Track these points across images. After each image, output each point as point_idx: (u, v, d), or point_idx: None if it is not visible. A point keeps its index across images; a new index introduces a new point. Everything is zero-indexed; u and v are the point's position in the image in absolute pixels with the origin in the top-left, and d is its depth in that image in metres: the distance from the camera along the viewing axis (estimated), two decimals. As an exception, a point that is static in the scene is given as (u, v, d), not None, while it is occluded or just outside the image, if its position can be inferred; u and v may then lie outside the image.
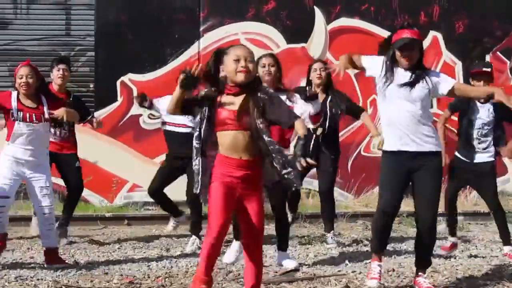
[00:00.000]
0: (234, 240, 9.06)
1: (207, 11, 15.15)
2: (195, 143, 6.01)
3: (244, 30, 15.22)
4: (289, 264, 8.72)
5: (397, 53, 7.29)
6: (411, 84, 7.20)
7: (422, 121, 7.28)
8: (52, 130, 9.65)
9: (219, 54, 6.05)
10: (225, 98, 5.94)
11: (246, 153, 5.87)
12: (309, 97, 8.97)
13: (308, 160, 5.98)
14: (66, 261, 8.83)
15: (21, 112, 8.49)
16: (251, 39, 15.07)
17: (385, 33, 14.97)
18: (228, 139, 5.84)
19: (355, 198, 14.87)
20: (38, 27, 15.39)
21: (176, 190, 11.58)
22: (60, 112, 8.79)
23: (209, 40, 15.14)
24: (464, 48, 15.12)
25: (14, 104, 8.53)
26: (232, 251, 9.00)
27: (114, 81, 14.73)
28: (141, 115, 14.87)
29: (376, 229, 7.62)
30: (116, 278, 7.87)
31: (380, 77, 7.35)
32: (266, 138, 5.82)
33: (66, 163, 10.38)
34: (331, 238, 10.41)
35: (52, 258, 8.66)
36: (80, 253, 9.68)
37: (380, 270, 7.54)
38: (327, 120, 10.09)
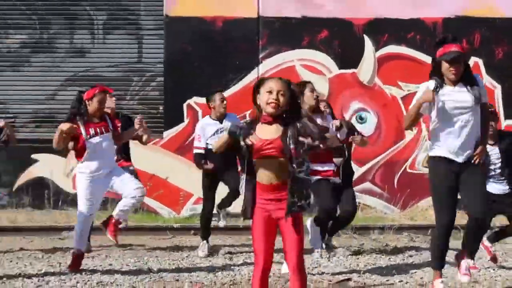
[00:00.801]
0: None
1: (265, 40, 15.34)
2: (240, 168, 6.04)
3: (299, 57, 15.35)
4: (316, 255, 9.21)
5: (445, 66, 7.22)
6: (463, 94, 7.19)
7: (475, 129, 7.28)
8: None
9: (258, 85, 5.99)
10: (259, 128, 5.84)
11: (277, 178, 5.79)
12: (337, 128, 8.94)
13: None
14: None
15: (92, 129, 8.80)
16: (306, 65, 15.29)
17: (429, 59, 15.58)
18: (262, 166, 5.81)
19: (401, 211, 14.90)
20: (113, 55, 15.79)
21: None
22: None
23: (267, 66, 15.35)
24: (503, 73, 15.13)
25: (83, 130, 8.76)
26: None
27: (181, 104, 15.04)
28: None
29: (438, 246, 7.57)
30: (187, 285, 8.13)
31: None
32: (292, 166, 5.75)
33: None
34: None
35: (109, 226, 9.06)
36: (153, 261, 9.80)
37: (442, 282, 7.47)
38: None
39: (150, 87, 15.74)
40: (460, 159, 7.24)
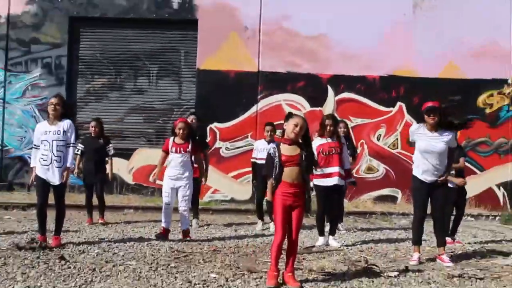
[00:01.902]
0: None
1: (262, 86, 15.42)
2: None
3: (284, 98, 15.44)
4: (333, 243, 8.83)
5: (425, 116, 7.33)
6: (436, 140, 7.31)
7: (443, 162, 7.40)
8: None
9: (288, 116, 6.24)
10: (283, 147, 6.10)
11: (295, 179, 6.05)
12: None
13: None
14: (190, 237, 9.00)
15: (174, 148, 8.90)
16: (289, 104, 15.36)
17: (370, 102, 15.35)
18: (286, 171, 6.04)
19: (349, 201, 14.30)
20: (161, 93, 15.95)
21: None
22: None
23: (263, 104, 15.44)
24: (418, 114, 15.14)
25: (170, 144, 8.95)
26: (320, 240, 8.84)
27: (205, 127, 14.94)
28: (220, 147, 15.19)
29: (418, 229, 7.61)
30: (206, 247, 8.25)
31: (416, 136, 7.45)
32: (305, 173, 6.11)
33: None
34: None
35: (186, 235, 9.03)
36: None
37: (419, 257, 7.49)
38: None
39: (185, 115, 15.13)
40: (428, 181, 7.45)
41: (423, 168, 7.51)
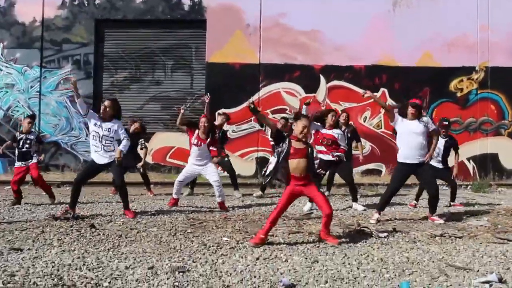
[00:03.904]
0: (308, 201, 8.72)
1: (263, 76, 15.35)
2: (274, 159, 6.03)
3: (283, 86, 15.38)
4: (358, 207, 8.85)
5: (409, 109, 7.45)
6: (416, 126, 7.35)
7: (423, 145, 7.41)
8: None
9: (296, 117, 6.10)
10: (293, 142, 5.95)
11: (302, 172, 5.92)
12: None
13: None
14: (227, 208, 8.76)
15: (196, 140, 8.71)
16: (286, 91, 15.35)
17: (356, 88, 15.19)
18: (294, 164, 5.92)
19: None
20: (176, 83, 15.89)
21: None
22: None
23: (264, 91, 15.39)
24: (399, 98, 14.94)
25: (194, 135, 8.73)
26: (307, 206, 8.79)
27: (214, 112, 14.32)
28: (227, 130, 14.52)
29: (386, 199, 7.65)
30: (217, 215, 8.11)
31: (398, 124, 7.46)
32: (312, 162, 6.02)
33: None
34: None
35: (222, 206, 8.78)
36: (197, 202, 9.78)
37: (378, 218, 7.52)
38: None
39: (197, 102, 15.78)
40: (415, 161, 7.39)
41: (408, 153, 7.45)
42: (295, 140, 6.02)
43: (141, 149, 10.99)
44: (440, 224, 7.44)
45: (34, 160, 9.44)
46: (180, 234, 6.53)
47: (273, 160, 6.05)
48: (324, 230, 6.12)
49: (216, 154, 9.85)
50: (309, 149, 6.03)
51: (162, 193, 11.37)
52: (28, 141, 9.43)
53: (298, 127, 6.00)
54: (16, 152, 9.46)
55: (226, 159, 10.95)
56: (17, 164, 9.43)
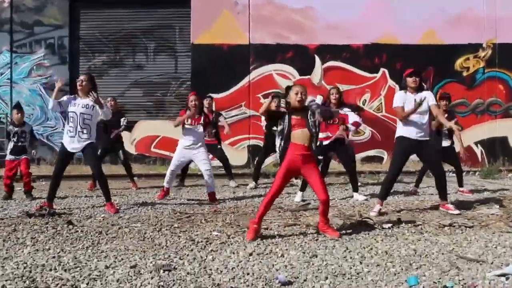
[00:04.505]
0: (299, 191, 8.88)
1: (253, 58, 15.22)
2: (279, 138, 5.98)
3: (275, 68, 15.27)
4: (359, 197, 8.82)
5: (408, 80, 7.31)
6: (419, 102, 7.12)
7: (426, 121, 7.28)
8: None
9: (287, 89, 6.06)
10: (292, 114, 5.88)
11: (305, 141, 5.83)
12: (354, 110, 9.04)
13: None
14: (218, 202, 8.67)
15: (190, 120, 8.68)
16: (279, 73, 15.22)
17: (355, 69, 15.28)
18: (296, 134, 5.84)
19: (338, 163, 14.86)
20: (159, 68, 15.71)
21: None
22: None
23: (254, 74, 15.26)
24: (400, 78, 14.88)
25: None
26: (298, 196, 8.86)
27: (201, 98, 14.80)
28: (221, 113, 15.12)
29: (387, 186, 7.48)
30: (207, 208, 8.03)
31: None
32: (314, 130, 5.83)
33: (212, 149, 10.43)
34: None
35: (212, 198, 8.72)
36: (185, 194, 9.76)
37: (379, 209, 7.38)
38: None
39: (182, 88, 15.70)
40: (416, 137, 7.26)
41: (409, 128, 7.32)
42: (294, 111, 5.95)
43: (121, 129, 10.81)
44: (451, 214, 7.32)
45: (27, 155, 9.52)
46: (166, 229, 6.45)
47: (277, 143, 6.02)
48: (322, 220, 6.04)
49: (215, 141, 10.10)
50: (308, 120, 5.88)
51: (147, 186, 11.28)
52: (23, 135, 9.54)
53: (291, 96, 5.95)
54: (11, 145, 9.49)
55: (218, 146, 11.03)
56: (9, 157, 9.47)
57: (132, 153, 15.14)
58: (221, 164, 11.35)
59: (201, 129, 8.85)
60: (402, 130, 7.39)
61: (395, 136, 7.48)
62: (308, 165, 5.92)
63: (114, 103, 10.77)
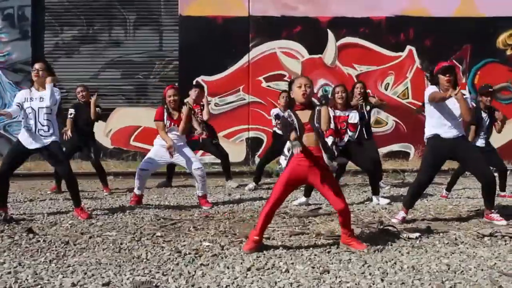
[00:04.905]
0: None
1: (254, 33, 15.25)
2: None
3: (279, 46, 15.28)
4: (380, 201, 8.83)
5: (441, 77, 7.16)
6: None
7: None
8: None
9: (290, 84, 6.01)
10: (298, 113, 5.84)
11: (311, 144, 5.77)
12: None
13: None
14: (211, 204, 8.67)
15: (169, 122, 8.57)
16: (284, 52, 15.25)
17: (376, 47, 15.36)
18: (305, 137, 5.77)
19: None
20: (140, 45, 15.73)
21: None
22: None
23: (255, 53, 15.28)
24: (430, 58, 14.61)
25: (165, 116, 8.59)
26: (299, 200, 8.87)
27: (191, 81, 14.68)
28: (209, 103, 15.00)
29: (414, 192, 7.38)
30: (197, 213, 8.01)
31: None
32: (320, 134, 5.80)
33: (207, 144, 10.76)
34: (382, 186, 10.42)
35: (204, 201, 8.70)
36: (171, 196, 9.80)
37: (404, 217, 7.31)
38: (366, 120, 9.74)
39: (168, 68, 15.71)
40: (452, 135, 7.13)
41: (441, 124, 7.21)
42: (299, 109, 5.90)
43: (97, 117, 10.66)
44: (499, 224, 7.19)
45: None
46: (147, 239, 6.41)
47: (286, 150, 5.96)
48: (344, 232, 5.99)
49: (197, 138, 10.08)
50: (314, 116, 5.81)
51: (124, 187, 11.27)
52: None
53: (295, 90, 5.89)
54: None
55: (213, 141, 11.05)
56: None
57: (107, 146, 15.19)
58: (216, 160, 11.36)
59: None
60: (433, 128, 7.28)
61: (425, 136, 7.36)
62: (317, 171, 5.83)
63: (86, 94, 10.60)
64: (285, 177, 5.87)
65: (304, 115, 5.86)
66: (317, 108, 5.83)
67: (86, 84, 11.41)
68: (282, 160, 6.01)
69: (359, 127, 8.95)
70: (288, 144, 5.92)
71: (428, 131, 7.32)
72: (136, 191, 8.85)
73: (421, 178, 7.35)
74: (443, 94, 7.03)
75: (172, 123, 8.68)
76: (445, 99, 7.04)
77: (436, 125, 7.23)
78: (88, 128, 10.57)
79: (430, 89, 7.28)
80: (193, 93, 10.91)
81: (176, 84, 14.59)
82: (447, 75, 7.13)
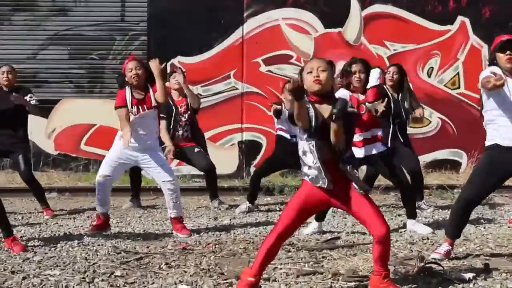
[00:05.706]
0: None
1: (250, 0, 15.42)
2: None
3: (284, 16, 15.34)
4: (418, 229, 8.82)
5: (500, 57, 6.99)
6: None
7: None
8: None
9: (300, 72, 6.02)
10: (316, 107, 5.78)
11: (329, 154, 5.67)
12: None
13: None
14: (189, 231, 8.81)
15: (135, 106, 8.53)
16: (291, 25, 15.32)
17: (415, 18, 15.54)
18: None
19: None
20: (95, 13, 15.77)
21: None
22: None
23: (251, 25, 15.37)
24: (490, 33, 14.41)
25: (128, 98, 8.54)
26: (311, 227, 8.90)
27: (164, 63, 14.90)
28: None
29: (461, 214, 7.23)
30: (170, 245, 8.01)
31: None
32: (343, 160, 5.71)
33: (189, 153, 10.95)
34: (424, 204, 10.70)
35: (179, 227, 8.81)
36: (135, 221, 9.87)
37: (448, 251, 7.22)
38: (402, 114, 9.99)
39: (133, 46, 15.81)
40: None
41: (506, 130, 7.03)
42: (316, 102, 5.83)
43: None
44: None
45: None
46: (102, 281, 6.43)
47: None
48: (378, 271, 5.86)
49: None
50: (335, 110, 5.65)
51: (73, 208, 11.32)
52: None
53: (306, 77, 5.86)
54: None
55: (196, 149, 11.13)
56: None
57: (48, 152, 15.28)
58: (198, 172, 11.57)
59: (152, 116, 8.81)
60: (500, 135, 7.10)
61: (486, 144, 7.26)
62: (344, 191, 5.77)
63: (13, 77, 10.56)
64: (299, 199, 5.84)
65: (323, 111, 5.77)
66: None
67: (18, 67, 11.37)
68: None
69: (391, 127, 9.02)
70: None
71: (492, 139, 7.18)
72: (98, 210, 8.93)
73: (471, 193, 7.23)
74: (496, 80, 6.73)
75: (140, 108, 8.62)
76: (499, 87, 6.78)
77: (502, 132, 7.08)
78: (14, 125, 10.41)
79: (484, 72, 7.13)
80: (173, 80, 11.10)
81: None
82: (508, 52, 6.98)
